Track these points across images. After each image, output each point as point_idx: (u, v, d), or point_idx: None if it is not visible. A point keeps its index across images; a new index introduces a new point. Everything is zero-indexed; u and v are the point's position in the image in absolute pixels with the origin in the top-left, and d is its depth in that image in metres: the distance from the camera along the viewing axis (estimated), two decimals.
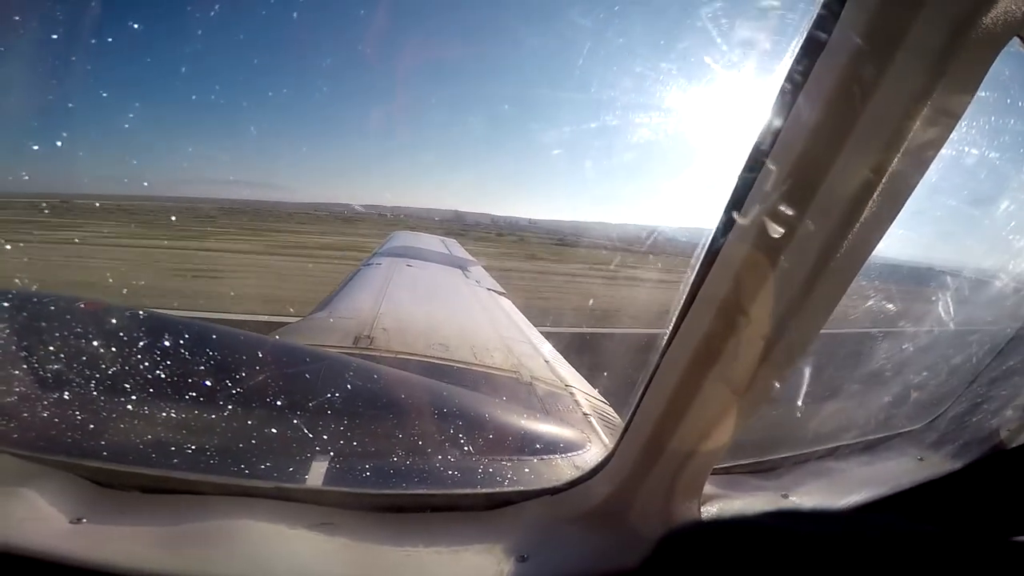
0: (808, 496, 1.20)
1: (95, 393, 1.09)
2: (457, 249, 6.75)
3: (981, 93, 0.65)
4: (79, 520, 0.86)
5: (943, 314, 1.68)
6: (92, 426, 1.04)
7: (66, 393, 1.07)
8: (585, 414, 2.08)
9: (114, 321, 1.26)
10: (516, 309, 3.95)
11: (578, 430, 1.79)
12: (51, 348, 1.13)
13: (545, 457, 1.43)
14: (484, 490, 1.14)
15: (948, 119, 0.65)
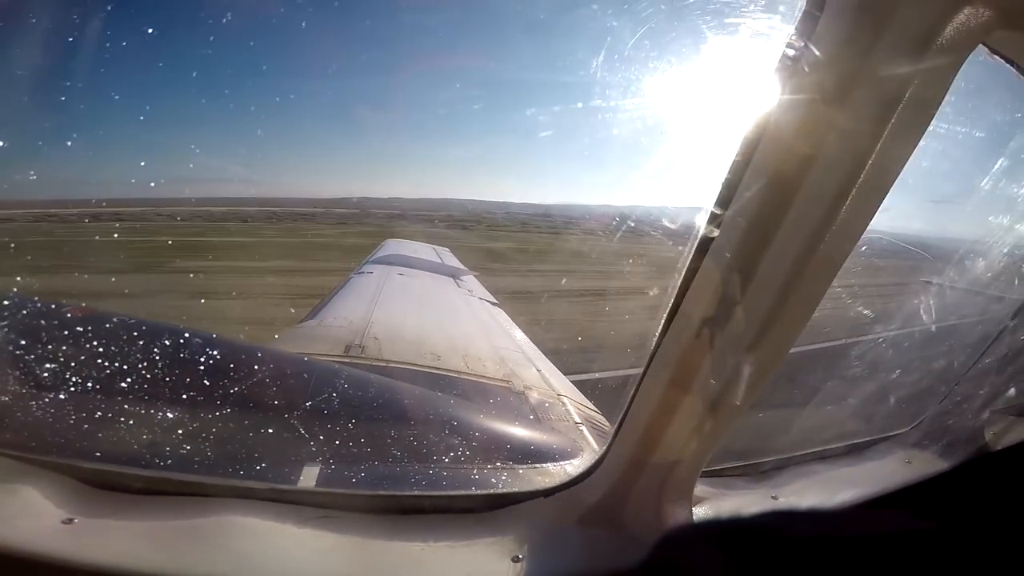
0: (796, 498, 1.22)
1: (89, 395, 1.09)
2: (449, 258, 6.75)
3: (950, 98, 0.69)
4: (70, 520, 0.86)
5: (926, 316, 1.71)
6: (85, 427, 1.04)
7: (60, 395, 1.06)
8: (576, 422, 2.09)
9: (108, 327, 1.26)
10: (509, 319, 3.96)
11: (570, 438, 1.80)
12: (46, 351, 1.13)
13: (537, 465, 1.43)
14: (477, 492, 1.14)
15: (921, 119, 0.69)
